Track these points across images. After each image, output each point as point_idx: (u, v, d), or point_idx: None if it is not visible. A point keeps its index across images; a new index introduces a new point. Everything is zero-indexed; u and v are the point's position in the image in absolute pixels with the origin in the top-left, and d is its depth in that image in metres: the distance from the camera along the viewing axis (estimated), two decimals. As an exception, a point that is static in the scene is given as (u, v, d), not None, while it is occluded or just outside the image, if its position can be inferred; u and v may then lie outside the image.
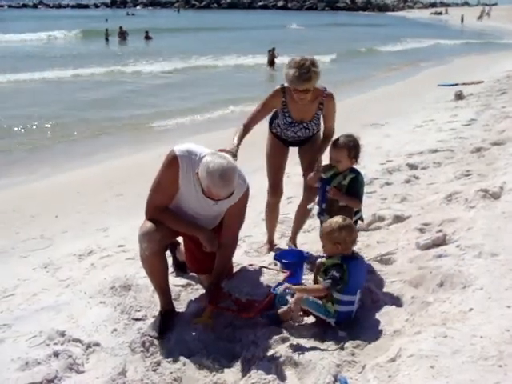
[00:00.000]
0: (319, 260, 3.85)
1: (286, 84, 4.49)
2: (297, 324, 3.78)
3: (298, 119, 4.60)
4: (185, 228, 3.91)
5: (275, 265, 4.55)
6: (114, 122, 13.38)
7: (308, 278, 4.29)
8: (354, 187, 4.18)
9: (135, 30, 41.95)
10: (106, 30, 40.92)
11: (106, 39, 40.33)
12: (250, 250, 5.14)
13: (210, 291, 4.01)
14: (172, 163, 3.70)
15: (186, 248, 4.31)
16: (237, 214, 3.94)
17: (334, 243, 3.70)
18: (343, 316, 3.69)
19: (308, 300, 3.69)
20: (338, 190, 4.19)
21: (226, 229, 3.98)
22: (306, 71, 4.20)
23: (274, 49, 25.48)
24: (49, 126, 12.88)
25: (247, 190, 3.86)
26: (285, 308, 3.75)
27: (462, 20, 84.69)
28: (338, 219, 3.76)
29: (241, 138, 4.38)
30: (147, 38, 41.24)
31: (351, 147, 4.12)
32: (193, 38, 42.37)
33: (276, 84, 4.67)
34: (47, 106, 15.10)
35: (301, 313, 3.78)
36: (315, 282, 3.86)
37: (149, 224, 3.73)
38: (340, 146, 4.15)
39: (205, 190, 3.49)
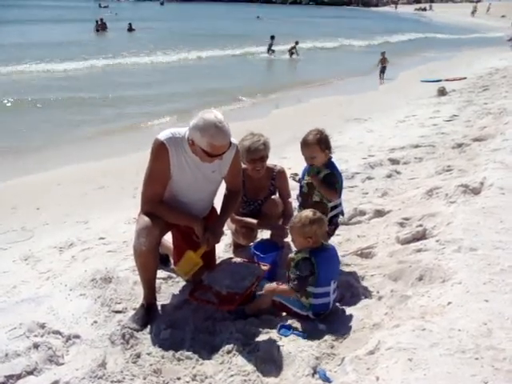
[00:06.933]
0: (289, 255, 3.84)
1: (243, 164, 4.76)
2: (275, 317, 3.80)
3: (252, 197, 4.82)
4: (180, 219, 3.92)
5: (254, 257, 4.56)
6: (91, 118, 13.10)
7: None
8: (330, 181, 4.23)
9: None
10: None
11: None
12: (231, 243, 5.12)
13: (215, 228, 3.99)
14: (160, 150, 3.71)
15: (175, 244, 4.32)
16: (236, 172, 4.15)
17: (305, 237, 3.71)
18: (319, 308, 3.71)
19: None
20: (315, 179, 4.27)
21: (231, 184, 4.23)
22: (258, 139, 4.59)
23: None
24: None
25: (237, 148, 4.07)
26: (251, 304, 3.84)
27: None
28: (307, 213, 3.76)
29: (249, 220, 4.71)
30: (130, 29, 40.82)
31: (321, 140, 4.21)
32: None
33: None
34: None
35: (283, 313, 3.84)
36: (288, 277, 3.83)
37: (146, 219, 3.73)
38: (310, 142, 4.22)
39: (206, 149, 3.54)
